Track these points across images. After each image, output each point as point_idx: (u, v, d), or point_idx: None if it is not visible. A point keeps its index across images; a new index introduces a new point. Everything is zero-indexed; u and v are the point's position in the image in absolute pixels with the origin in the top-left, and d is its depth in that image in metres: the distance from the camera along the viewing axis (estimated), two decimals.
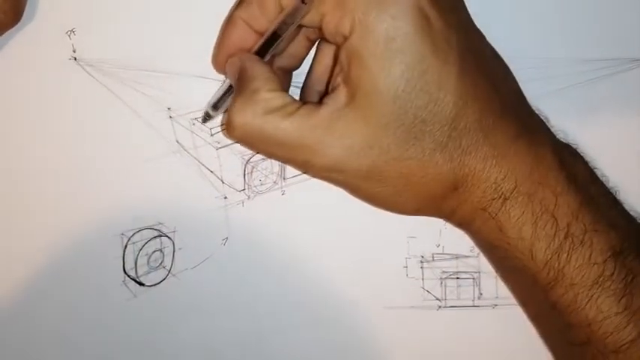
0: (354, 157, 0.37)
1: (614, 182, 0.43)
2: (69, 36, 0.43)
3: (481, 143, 0.38)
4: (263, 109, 0.37)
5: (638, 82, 0.45)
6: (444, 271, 0.45)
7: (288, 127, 0.37)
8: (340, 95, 0.37)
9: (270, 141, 0.38)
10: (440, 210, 0.40)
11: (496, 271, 0.43)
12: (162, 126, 0.44)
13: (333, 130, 0.37)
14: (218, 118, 0.43)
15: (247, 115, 0.37)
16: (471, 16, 0.39)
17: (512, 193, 0.38)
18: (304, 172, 0.39)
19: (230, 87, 0.40)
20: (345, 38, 0.37)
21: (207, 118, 0.42)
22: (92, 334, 0.45)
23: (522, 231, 0.38)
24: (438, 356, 0.46)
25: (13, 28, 0.41)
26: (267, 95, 0.38)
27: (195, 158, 0.44)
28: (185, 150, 0.44)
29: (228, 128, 0.38)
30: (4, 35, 0.41)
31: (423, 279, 0.45)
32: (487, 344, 0.45)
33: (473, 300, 0.45)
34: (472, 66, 0.37)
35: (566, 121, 0.44)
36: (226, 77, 0.41)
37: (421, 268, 0.45)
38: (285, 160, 0.40)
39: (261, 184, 0.45)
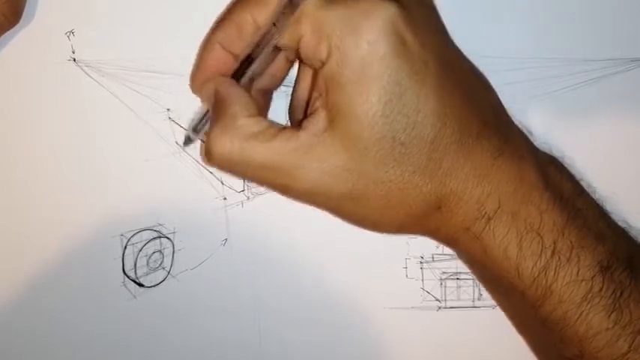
0: (334, 180, 0.37)
1: (614, 183, 0.43)
2: (68, 37, 0.43)
3: (462, 163, 0.37)
4: (242, 134, 0.37)
5: (638, 82, 0.45)
6: (443, 272, 0.45)
7: (267, 153, 0.37)
8: (319, 119, 0.37)
9: (250, 166, 0.38)
10: (423, 229, 0.40)
11: (485, 288, 0.43)
12: (162, 127, 0.44)
13: (312, 155, 0.37)
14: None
15: (226, 142, 0.37)
16: (450, 35, 0.39)
17: (495, 212, 0.38)
18: (284, 196, 0.39)
19: (208, 111, 0.41)
20: (323, 63, 0.36)
21: (188, 141, 0.43)
22: (92, 336, 0.45)
23: (508, 250, 0.38)
24: (437, 357, 0.46)
25: (13, 29, 0.41)
26: (245, 121, 0.37)
27: (194, 159, 0.44)
28: (185, 151, 0.44)
29: (207, 156, 0.38)
30: (3, 36, 0.41)
31: (422, 280, 0.45)
32: (487, 345, 0.45)
33: (473, 301, 0.45)
34: (450, 86, 0.37)
35: (565, 122, 0.44)
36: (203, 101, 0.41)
37: (421, 268, 0.45)
38: (264, 184, 0.39)
39: None
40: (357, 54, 0.36)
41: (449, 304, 0.45)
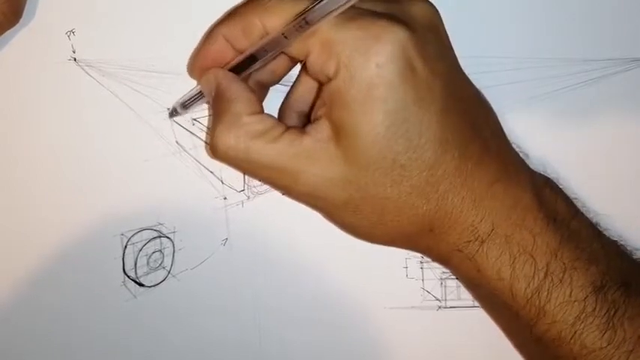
0: (333, 188, 0.38)
1: (614, 183, 0.43)
2: (68, 36, 0.43)
3: (459, 188, 0.38)
4: (246, 133, 0.38)
5: (638, 82, 0.45)
6: (444, 272, 0.45)
7: (272, 153, 0.38)
8: (323, 129, 0.38)
9: (254, 164, 0.38)
10: (415, 246, 0.41)
11: (480, 305, 0.44)
12: (162, 126, 0.44)
13: (315, 161, 0.38)
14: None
15: (231, 139, 0.38)
16: (457, 58, 0.40)
17: (489, 235, 0.38)
18: (285, 195, 0.40)
19: (201, 92, 0.41)
20: (329, 79, 0.37)
21: (174, 113, 0.43)
22: (92, 335, 0.45)
23: (501, 272, 0.39)
24: (438, 357, 0.46)
25: (13, 29, 0.41)
26: (250, 119, 0.38)
27: (194, 159, 0.44)
28: (185, 150, 0.44)
29: (211, 150, 0.39)
30: (3, 35, 0.41)
31: (423, 279, 0.45)
32: (487, 344, 0.45)
33: (473, 300, 0.45)
34: (454, 112, 0.38)
35: (565, 122, 0.44)
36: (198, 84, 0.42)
37: (421, 268, 0.45)
38: (266, 182, 0.40)
39: (261, 185, 0.45)
40: (364, 75, 0.36)
41: (449, 303, 0.45)
